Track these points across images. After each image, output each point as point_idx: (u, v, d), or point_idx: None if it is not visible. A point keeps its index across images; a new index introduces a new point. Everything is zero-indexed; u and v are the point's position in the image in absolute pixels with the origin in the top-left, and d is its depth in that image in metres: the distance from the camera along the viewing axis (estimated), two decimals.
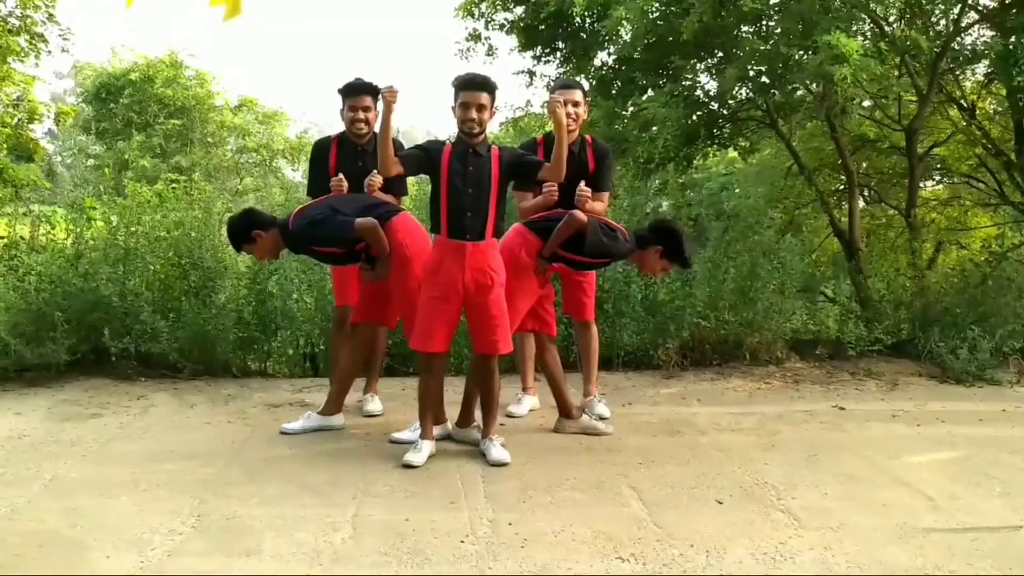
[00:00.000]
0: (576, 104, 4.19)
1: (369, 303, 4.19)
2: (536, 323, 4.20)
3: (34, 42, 11.84)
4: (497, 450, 3.73)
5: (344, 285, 4.47)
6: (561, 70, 9.04)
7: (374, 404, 4.58)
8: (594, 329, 4.58)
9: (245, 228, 4.00)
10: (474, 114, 3.64)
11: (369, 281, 4.11)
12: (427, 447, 3.75)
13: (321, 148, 4.40)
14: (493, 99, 3.72)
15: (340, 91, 4.28)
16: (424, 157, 3.72)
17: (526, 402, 4.61)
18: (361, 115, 4.23)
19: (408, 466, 3.62)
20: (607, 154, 4.36)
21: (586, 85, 8.88)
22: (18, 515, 3.12)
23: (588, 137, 4.39)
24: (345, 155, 4.31)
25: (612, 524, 3.06)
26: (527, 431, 4.26)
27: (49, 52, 12.06)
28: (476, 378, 3.96)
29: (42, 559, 2.76)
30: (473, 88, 3.66)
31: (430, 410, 3.84)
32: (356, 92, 4.25)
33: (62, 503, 3.23)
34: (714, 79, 7.72)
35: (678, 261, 4.05)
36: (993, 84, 7.94)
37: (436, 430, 3.93)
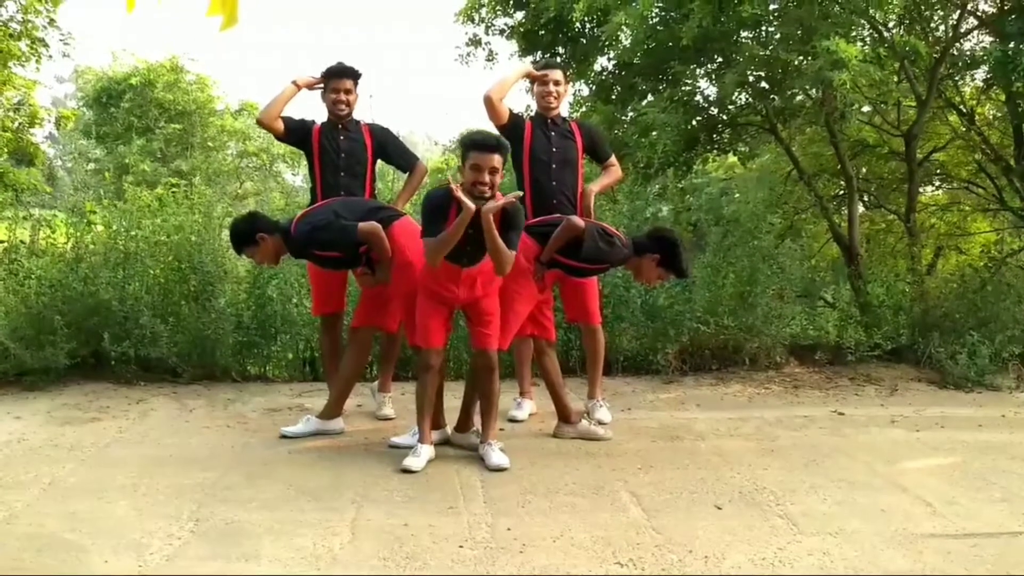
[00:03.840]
0: (557, 83, 4.43)
1: (369, 307, 4.20)
2: (535, 328, 4.21)
3: (35, 46, 11.87)
4: (496, 455, 3.73)
5: (329, 293, 4.47)
6: None
7: (388, 408, 4.61)
8: (600, 333, 4.58)
9: (248, 231, 4.01)
10: (487, 177, 3.55)
11: (369, 286, 4.13)
12: (426, 452, 3.75)
13: (305, 124, 4.50)
14: (505, 160, 3.65)
15: (323, 75, 4.44)
16: (442, 219, 3.60)
17: (526, 406, 4.61)
18: (343, 96, 4.40)
19: (407, 471, 3.62)
20: (591, 128, 4.73)
21: (585, 90, 8.92)
22: (17, 519, 3.12)
23: (571, 122, 4.59)
24: (326, 134, 4.45)
25: (611, 529, 3.06)
26: (526, 436, 4.26)
27: (50, 56, 12.10)
28: (474, 378, 3.96)
29: (41, 563, 2.76)
30: (486, 150, 3.56)
31: (429, 413, 3.84)
32: (339, 75, 4.43)
33: (61, 507, 3.23)
34: (714, 84, 7.73)
35: (674, 271, 4.04)
36: (992, 90, 7.96)
37: (434, 435, 3.94)
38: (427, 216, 3.65)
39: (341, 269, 4.30)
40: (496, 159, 3.56)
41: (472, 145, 3.61)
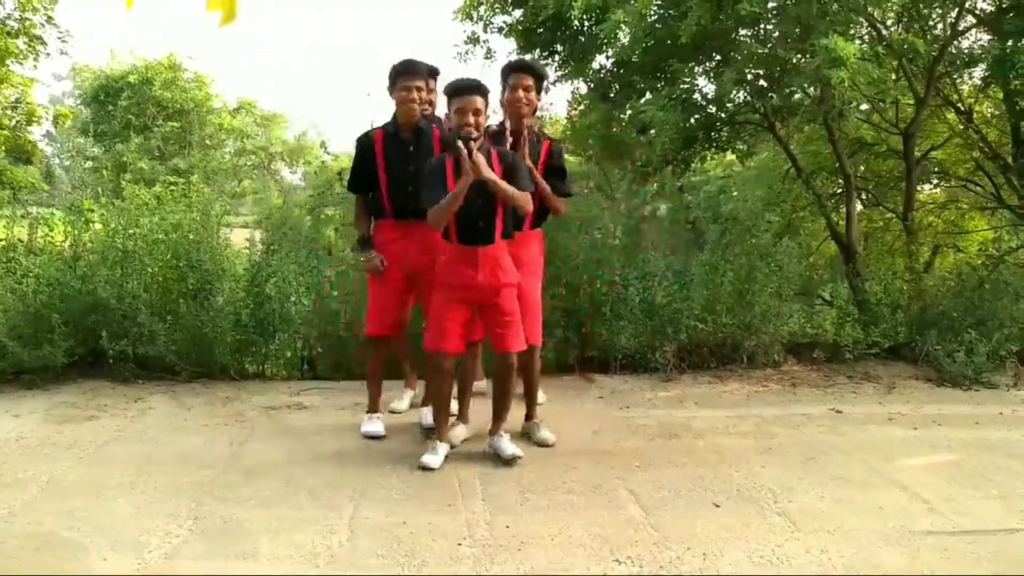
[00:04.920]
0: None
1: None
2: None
3: (33, 44, 11.87)
4: (509, 445, 3.77)
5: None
6: (559, 73, 9.07)
7: (400, 403, 4.66)
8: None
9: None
10: (471, 119, 3.65)
11: (366, 269, 4.12)
12: (443, 449, 3.77)
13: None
14: (487, 101, 3.74)
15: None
16: (440, 184, 3.68)
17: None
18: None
19: (426, 468, 3.64)
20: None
21: (584, 88, 8.90)
22: (15, 517, 3.12)
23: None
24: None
25: (609, 527, 3.06)
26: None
27: (48, 54, 12.10)
28: (495, 379, 3.92)
29: (39, 561, 2.76)
30: (466, 93, 3.68)
31: (443, 412, 3.85)
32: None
33: (59, 505, 3.23)
34: (712, 82, 7.74)
35: (517, 70, 3.98)
36: (990, 88, 7.98)
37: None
38: (427, 184, 3.73)
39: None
40: (478, 100, 3.67)
41: (454, 91, 3.73)
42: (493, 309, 3.77)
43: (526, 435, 4.18)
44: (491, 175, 3.61)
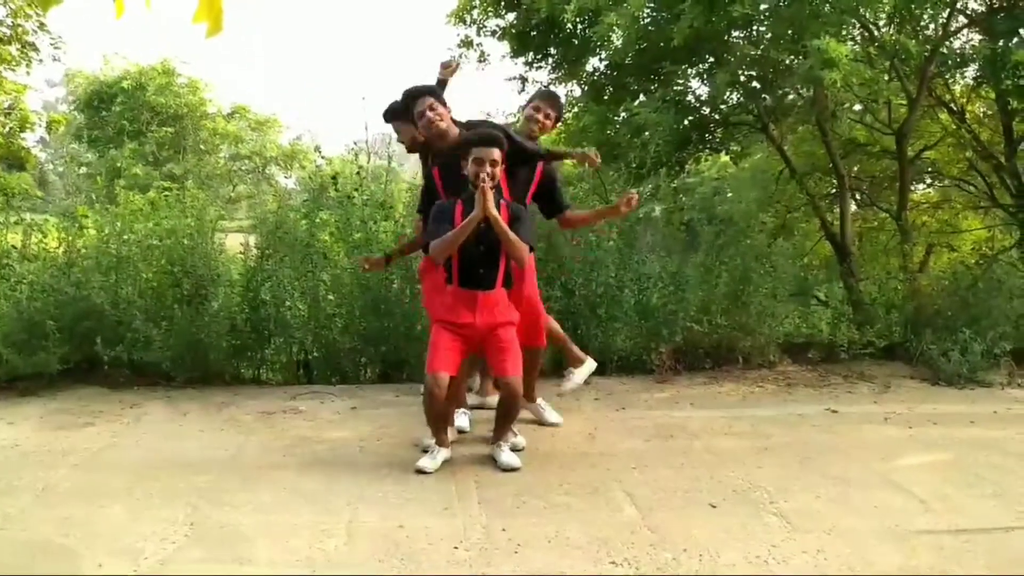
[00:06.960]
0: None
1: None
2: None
3: (25, 51, 11.86)
4: (507, 455, 3.77)
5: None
6: (553, 76, 9.07)
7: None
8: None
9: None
10: (488, 169, 3.72)
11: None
12: (442, 454, 3.77)
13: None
14: (504, 154, 3.81)
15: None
16: (448, 223, 3.76)
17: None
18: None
19: (421, 472, 3.64)
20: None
21: (577, 91, 8.89)
22: (10, 525, 3.11)
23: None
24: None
25: (606, 529, 3.06)
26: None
27: (40, 60, 12.09)
28: (499, 403, 3.90)
29: (35, 569, 2.76)
30: (486, 145, 3.75)
31: (441, 424, 3.83)
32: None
33: (55, 512, 3.22)
34: (705, 84, 7.76)
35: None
36: (982, 88, 8.00)
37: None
38: (433, 220, 3.83)
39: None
40: (496, 152, 3.76)
41: (473, 142, 3.80)
42: (490, 340, 3.83)
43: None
44: (496, 214, 3.68)
